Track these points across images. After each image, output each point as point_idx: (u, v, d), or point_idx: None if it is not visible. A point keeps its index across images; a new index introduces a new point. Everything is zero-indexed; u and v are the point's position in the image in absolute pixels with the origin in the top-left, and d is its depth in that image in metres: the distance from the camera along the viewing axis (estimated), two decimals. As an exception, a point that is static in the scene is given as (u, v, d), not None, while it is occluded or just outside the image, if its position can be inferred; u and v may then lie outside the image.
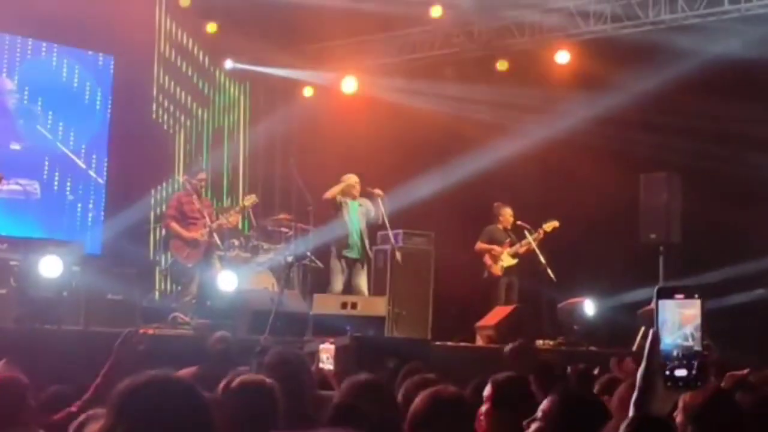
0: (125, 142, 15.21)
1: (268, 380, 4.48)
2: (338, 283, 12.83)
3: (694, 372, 2.59)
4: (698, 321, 2.60)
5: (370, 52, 16.41)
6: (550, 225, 13.58)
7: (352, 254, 12.96)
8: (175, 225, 12.37)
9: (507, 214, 13.96)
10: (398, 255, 13.26)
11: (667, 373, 2.61)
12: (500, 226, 13.96)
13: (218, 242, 13.10)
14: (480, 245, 13.88)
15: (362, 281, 12.98)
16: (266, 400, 4.36)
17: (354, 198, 12.97)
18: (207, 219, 12.41)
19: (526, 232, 13.64)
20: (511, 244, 13.79)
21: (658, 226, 13.56)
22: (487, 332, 12.58)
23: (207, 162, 16.23)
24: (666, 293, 2.65)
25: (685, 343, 2.61)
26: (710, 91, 12.58)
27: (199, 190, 12.65)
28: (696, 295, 2.63)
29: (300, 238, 14.23)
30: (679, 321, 2.62)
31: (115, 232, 13.64)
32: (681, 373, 2.60)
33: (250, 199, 13.19)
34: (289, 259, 12.31)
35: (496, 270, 13.73)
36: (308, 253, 13.85)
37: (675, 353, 2.61)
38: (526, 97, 14.24)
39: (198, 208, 12.45)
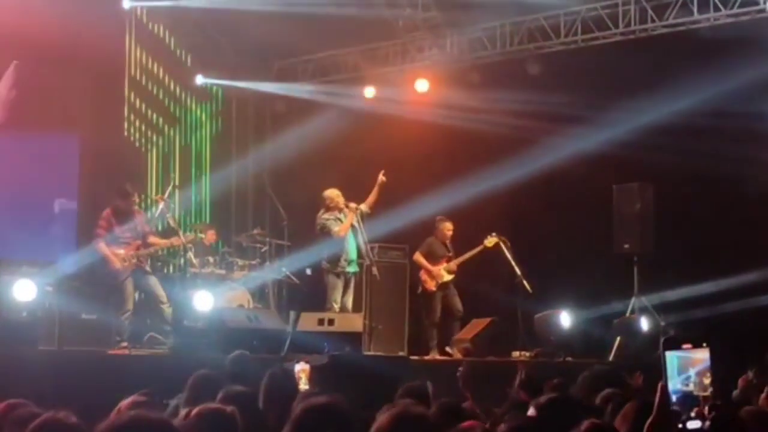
0: (96, 159, 15.10)
1: (228, 408, 4.38)
2: (339, 298, 12.76)
3: (707, 423, 2.52)
4: (705, 364, 2.53)
5: (342, 65, 16.43)
6: (492, 240, 13.52)
7: (352, 269, 12.93)
8: (104, 246, 11.90)
9: (445, 228, 13.90)
10: (375, 269, 13.21)
11: (680, 426, 2.54)
12: (439, 239, 13.91)
13: (193, 260, 13.03)
14: (418, 258, 13.83)
15: (350, 297, 12.95)
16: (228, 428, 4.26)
17: (341, 210, 12.91)
18: (139, 241, 12.12)
19: (502, 245, 13.56)
20: (448, 260, 13.76)
21: (631, 236, 13.61)
22: (464, 345, 12.60)
23: (190, 178, 16.19)
24: (672, 344, 2.57)
25: (685, 389, 2.54)
26: (681, 100, 12.63)
27: (130, 209, 12.28)
28: (704, 344, 2.55)
29: (276, 253, 14.22)
30: (679, 365, 2.54)
31: (88, 251, 13.49)
32: (694, 425, 2.53)
33: (189, 237, 13.03)
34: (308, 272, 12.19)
35: (431, 285, 13.70)
36: (284, 269, 13.83)
37: (674, 399, 2.54)
38: (496, 110, 14.27)
39: (129, 227, 12.11)
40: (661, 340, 2.55)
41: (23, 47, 13.92)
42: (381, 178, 12.89)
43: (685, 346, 2.55)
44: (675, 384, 2.55)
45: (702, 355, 2.54)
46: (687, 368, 2.55)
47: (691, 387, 2.54)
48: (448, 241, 13.87)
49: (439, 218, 13.90)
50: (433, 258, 13.75)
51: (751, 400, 6.41)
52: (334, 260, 12.74)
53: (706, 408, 2.54)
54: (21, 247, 13.65)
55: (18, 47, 13.94)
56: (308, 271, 11.93)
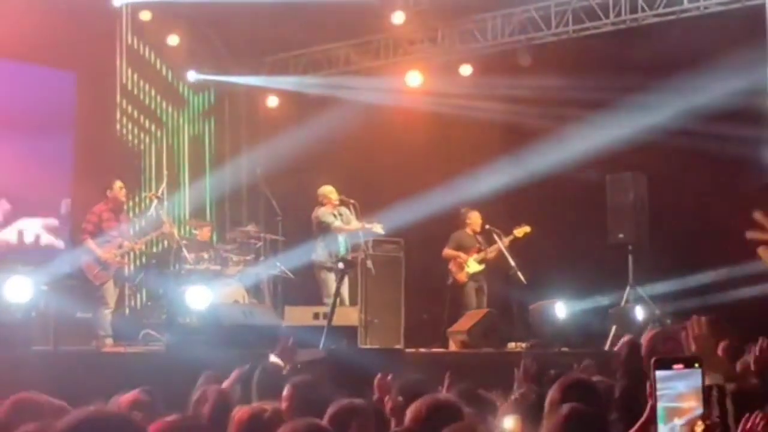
0: (90, 158, 15.08)
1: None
2: (332, 293, 12.74)
3: None
4: (696, 413, 2.46)
5: (333, 60, 16.42)
6: (522, 230, 13.56)
7: (341, 266, 12.92)
8: (91, 242, 11.90)
9: (474, 217, 13.94)
10: (369, 263, 13.23)
11: None
12: (468, 231, 13.95)
13: (186, 256, 13.03)
14: (447, 251, 13.87)
15: (346, 291, 12.93)
16: None
17: (335, 207, 12.94)
18: (122, 239, 12.12)
19: (495, 237, 13.64)
20: (479, 250, 13.78)
21: (625, 225, 13.62)
22: (460, 337, 12.60)
23: (183, 175, 16.20)
24: (664, 364, 2.51)
25: None
26: (673, 90, 12.65)
27: (120, 205, 12.31)
28: (696, 365, 2.48)
29: (271, 248, 14.23)
30: (666, 415, 2.49)
31: (80, 250, 13.48)
32: None
33: (166, 227, 12.95)
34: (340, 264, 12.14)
35: (461, 276, 13.72)
36: (279, 264, 13.84)
37: None
38: (490, 102, 14.27)
39: (117, 226, 12.11)
40: (652, 360, 2.49)
41: (13, 46, 13.91)
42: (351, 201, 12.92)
43: (676, 366, 2.49)
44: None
45: (691, 404, 2.47)
46: (672, 418, 2.50)
47: None
48: (478, 230, 13.87)
49: (464, 209, 13.95)
50: (462, 250, 13.81)
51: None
52: (329, 255, 12.76)
53: None
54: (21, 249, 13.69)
55: (7, 47, 13.93)
56: (340, 265, 11.93)
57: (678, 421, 2.48)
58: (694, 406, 2.49)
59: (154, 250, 13.69)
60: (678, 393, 2.49)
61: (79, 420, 2.75)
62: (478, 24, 15.15)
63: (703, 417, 2.48)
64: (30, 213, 14.63)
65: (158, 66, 16.62)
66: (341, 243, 12.89)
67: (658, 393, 2.48)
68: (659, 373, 2.48)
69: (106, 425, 2.78)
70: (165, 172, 15.60)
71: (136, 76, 16.26)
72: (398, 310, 14.33)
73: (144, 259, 14.58)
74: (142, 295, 15.02)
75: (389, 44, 15.96)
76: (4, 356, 8.73)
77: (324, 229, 12.79)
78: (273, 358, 6.34)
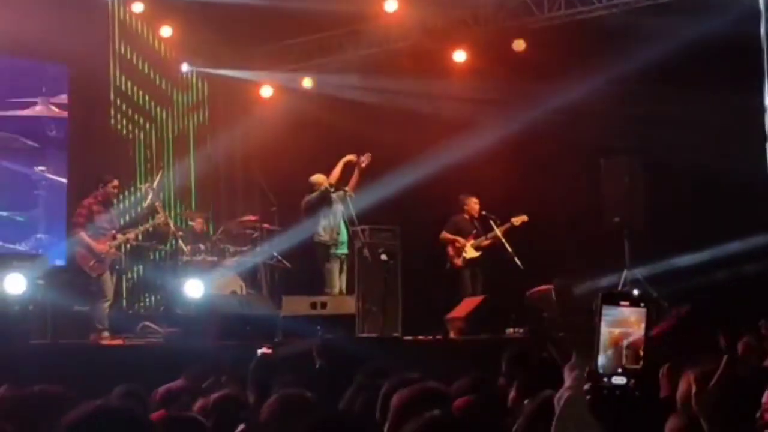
0: (84, 150, 15.07)
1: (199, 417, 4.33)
2: (338, 283, 12.78)
3: (632, 381, 2.47)
4: (637, 335, 2.47)
5: (326, 48, 16.38)
6: (519, 219, 13.57)
7: (342, 250, 12.98)
8: (84, 235, 11.85)
9: (472, 203, 13.97)
10: (366, 251, 13.24)
11: (605, 379, 2.49)
12: (466, 216, 13.97)
13: (183, 248, 13.03)
14: (444, 234, 13.90)
15: (344, 280, 12.98)
16: None
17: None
18: (114, 231, 12.13)
19: (492, 223, 13.65)
20: (476, 236, 13.80)
21: (621, 209, 13.60)
22: (458, 324, 12.61)
23: (178, 165, 16.21)
24: (611, 299, 2.52)
25: (616, 364, 2.49)
26: (668, 75, 12.63)
27: (110, 199, 12.31)
28: (642, 304, 2.50)
29: (267, 238, 14.25)
30: (606, 341, 2.49)
31: (75, 242, 13.47)
32: (619, 381, 2.48)
33: (160, 218, 12.91)
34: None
35: (458, 262, 13.75)
36: (275, 254, 13.86)
37: (603, 374, 2.48)
38: (484, 88, 14.25)
39: (107, 218, 12.11)
40: (599, 294, 2.51)
41: (4, 40, 13.89)
42: (363, 160, 12.94)
43: (623, 303, 2.51)
44: (602, 360, 2.50)
45: (633, 329, 2.48)
46: (617, 343, 2.50)
47: (624, 361, 2.49)
48: (476, 216, 13.88)
49: (462, 195, 13.97)
50: (459, 235, 13.85)
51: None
52: (333, 243, 12.80)
53: (633, 381, 2.49)
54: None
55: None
56: (384, 257, 12.05)
57: (624, 342, 2.49)
58: (636, 330, 2.50)
59: (151, 242, 13.65)
60: (621, 318, 2.51)
61: (86, 414, 2.74)
62: (471, 10, 15.10)
63: (645, 338, 2.49)
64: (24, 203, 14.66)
65: (151, 57, 16.57)
66: (341, 228, 12.93)
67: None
68: (605, 308, 2.51)
69: (112, 419, 2.77)
70: (160, 163, 15.59)
71: (129, 67, 16.22)
72: (395, 298, 14.34)
73: (141, 251, 14.56)
74: (139, 287, 15.01)
75: (381, 32, 15.91)
76: (2, 350, 8.75)
77: (313, 208, 12.84)
78: (261, 351, 6.33)
